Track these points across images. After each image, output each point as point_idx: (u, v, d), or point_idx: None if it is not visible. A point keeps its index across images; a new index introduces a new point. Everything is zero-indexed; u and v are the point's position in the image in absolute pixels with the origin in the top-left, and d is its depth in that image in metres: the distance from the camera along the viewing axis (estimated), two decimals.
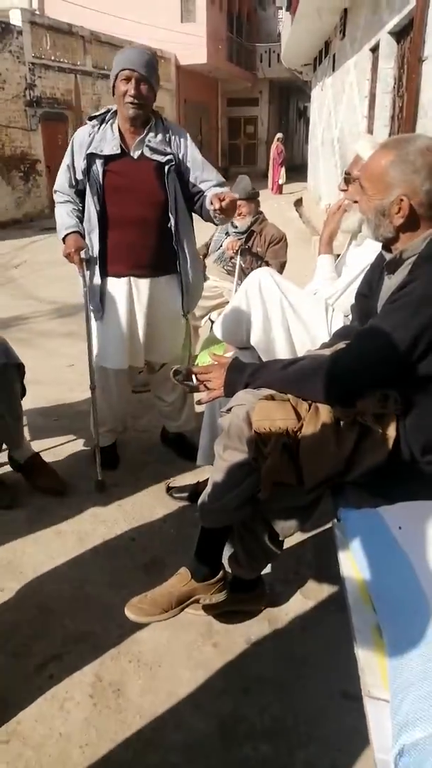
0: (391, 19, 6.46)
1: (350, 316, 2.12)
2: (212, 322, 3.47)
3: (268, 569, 1.93)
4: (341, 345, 1.67)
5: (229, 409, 1.62)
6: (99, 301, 2.44)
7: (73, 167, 2.41)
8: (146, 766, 1.45)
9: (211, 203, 2.24)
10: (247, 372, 1.65)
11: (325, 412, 1.53)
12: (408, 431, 1.52)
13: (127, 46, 2.41)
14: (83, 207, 2.44)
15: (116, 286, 2.43)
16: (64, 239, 2.42)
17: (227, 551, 1.78)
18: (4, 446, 2.54)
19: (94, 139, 2.33)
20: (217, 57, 20.96)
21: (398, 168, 1.43)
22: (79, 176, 2.39)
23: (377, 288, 1.68)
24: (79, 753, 1.48)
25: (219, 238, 3.89)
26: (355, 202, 2.03)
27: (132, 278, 2.41)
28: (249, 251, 3.73)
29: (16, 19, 12.37)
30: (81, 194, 2.43)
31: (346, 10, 10.06)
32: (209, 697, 1.63)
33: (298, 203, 14.94)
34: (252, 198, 3.83)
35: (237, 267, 3.62)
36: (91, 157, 2.33)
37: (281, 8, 15.32)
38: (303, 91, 22.81)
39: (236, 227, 3.82)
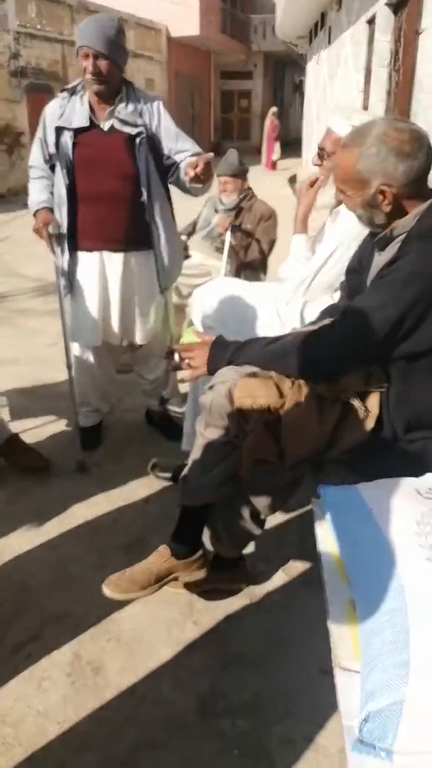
0: None
1: (334, 294, 2.09)
2: None
3: (251, 548, 1.92)
4: (327, 321, 1.65)
5: (211, 387, 1.59)
6: (68, 276, 2.40)
7: (45, 141, 2.36)
8: (124, 740, 1.46)
9: (186, 173, 2.20)
10: (230, 349, 1.63)
11: (307, 390, 1.51)
12: (391, 409, 1.51)
13: (93, 16, 2.31)
14: None
15: (87, 261, 2.39)
16: (35, 215, 2.38)
17: (207, 530, 1.77)
18: None
19: (64, 112, 2.29)
20: (209, 28, 20.50)
21: (365, 163, 1.43)
22: (52, 150, 2.34)
23: (367, 264, 1.66)
24: (57, 729, 1.48)
25: (207, 215, 3.82)
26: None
27: (104, 253, 2.38)
28: (239, 228, 3.67)
29: None
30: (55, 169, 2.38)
31: None
32: (189, 674, 1.63)
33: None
34: (239, 175, 3.75)
35: (226, 244, 3.56)
36: (60, 130, 2.28)
37: None
38: (298, 65, 22.47)
39: (224, 204, 3.76)
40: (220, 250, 3.66)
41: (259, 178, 8.01)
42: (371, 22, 7.52)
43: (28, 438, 2.66)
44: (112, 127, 2.28)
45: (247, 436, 1.51)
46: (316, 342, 1.52)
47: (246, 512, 1.67)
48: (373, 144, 1.42)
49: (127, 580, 1.68)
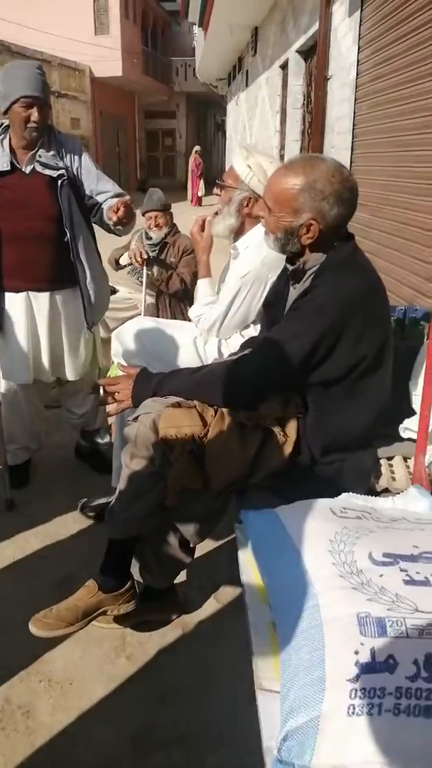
0: (298, 39, 6.71)
1: (243, 332, 2.18)
2: None
3: (182, 576, 1.93)
4: (246, 352, 1.71)
5: (136, 418, 1.62)
6: None
7: None
8: None
9: (109, 218, 2.25)
10: (154, 381, 1.67)
11: (230, 418, 1.56)
12: (308, 433, 1.58)
13: (16, 60, 2.33)
14: None
15: (14, 302, 2.39)
16: None
17: (136, 561, 1.77)
18: None
19: None
20: (132, 70, 20.99)
21: (307, 195, 1.48)
22: None
23: (283, 296, 1.74)
24: None
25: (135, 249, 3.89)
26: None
27: (31, 293, 2.38)
28: (157, 261, 3.75)
29: None
30: None
31: (256, 28, 10.36)
32: (122, 710, 1.61)
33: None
34: (167, 208, 3.87)
35: (144, 278, 3.64)
36: None
37: (194, 24, 15.56)
38: (220, 105, 23.23)
39: (150, 239, 3.84)
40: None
41: (185, 213, 8.17)
42: (284, 67, 7.93)
43: None
44: (33, 170, 2.30)
45: (172, 465, 1.54)
46: (235, 372, 1.58)
47: (175, 541, 1.68)
48: (319, 181, 1.47)
49: (53, 617, 1.64)
